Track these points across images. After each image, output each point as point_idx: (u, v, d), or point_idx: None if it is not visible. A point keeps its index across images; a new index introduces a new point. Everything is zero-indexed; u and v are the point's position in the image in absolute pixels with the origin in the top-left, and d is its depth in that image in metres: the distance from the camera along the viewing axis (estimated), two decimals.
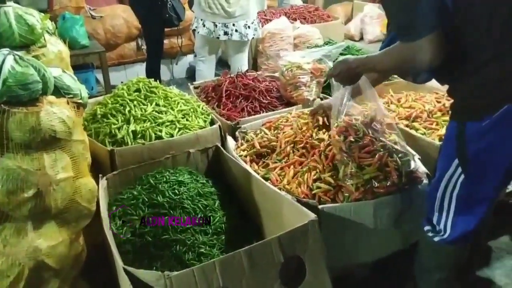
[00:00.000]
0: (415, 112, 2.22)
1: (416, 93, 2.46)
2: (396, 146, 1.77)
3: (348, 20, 5.37)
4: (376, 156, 1.67)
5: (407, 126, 2.15)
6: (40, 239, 1.26)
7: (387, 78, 2.02)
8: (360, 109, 1.86)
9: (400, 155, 1.74)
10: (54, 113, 1.28)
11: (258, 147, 1.97)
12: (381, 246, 1.72)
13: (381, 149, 1.70)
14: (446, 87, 1.61)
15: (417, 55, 1.38)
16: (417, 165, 1.81)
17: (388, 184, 1.64)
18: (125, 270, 1.26)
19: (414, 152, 1.88)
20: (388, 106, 2.38)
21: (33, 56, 1.53)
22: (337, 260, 1.62)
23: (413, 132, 2.07)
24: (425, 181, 1.75)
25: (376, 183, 1.64)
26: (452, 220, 1.59)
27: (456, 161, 1.51)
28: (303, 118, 2.09)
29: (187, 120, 2.09)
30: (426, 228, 1.67)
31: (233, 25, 3.26)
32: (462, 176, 1.51)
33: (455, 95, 1.55)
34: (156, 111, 2.04)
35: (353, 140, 1.70)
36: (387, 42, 1.60)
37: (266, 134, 2.05)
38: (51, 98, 1.35)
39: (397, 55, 1.47)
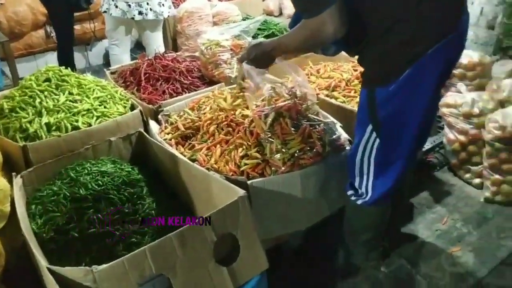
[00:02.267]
0: (334, 81, 2.28)
1: (334, 63, 2.52)
2: (317, 117, 1.81)
3: None
4: (299, 130, 1.69)
5: (327, 95, 2.20)
6: None
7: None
8: (279, 83, 1.88)
9: (322, 125, 1.78)
10: None
11: (183, 129, 1.93)
12: (311, 214, 1.76)
13: (303, 122, 1.73)
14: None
15: (321, 29, 1.43)
16: (339, 132, 1.87)
17: (313, 154, 1.68)
18: (49, 269, 1.19)
19: (335, 121, 1.94)
20: (309, 77, 2.43)
21: None
22: (270, 232, 1.64)
23: (333, 101, 2.13)
24: (348, 147, 1.81)
25: (302, 155, 1.67)
26: (372, 183, 1.67)
27: (370, 127, 1.58)
28: (222, 97, 2.07)
29: (105, 107, 1.99)
30: (349, 192, 1.74)
31: (147, 3, 3.12)
32: (378, 140, 1.58)
33: (363, 64, 1.62)
34: (70, 101, 1.92)
35: (273, 119, 1.70)
36: (293, 22, 1.64)
37: (190, 115, 2.01)
38: None
39: (304, 33, 1.51)
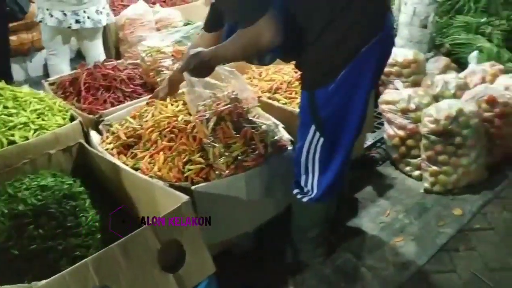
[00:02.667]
0: (276, 84, 2.32)
1: (275, 66, 2.57)
2: (259, 119, 1.85)
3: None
4: (241, 133, 1.72)
5: (269, 98, 2.24)
6: None
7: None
8: (220, 88, 1.90)
9: (263, 126, 1.81)
10: None
11: (124, 137, 1.91)
12: (258, 215, 1.80)
13: (244, 125, 1.76)
14: None
15: (258, 37, 1.46)
16: (281, 133, 1.91)
17: (255, 156, 1.71)
18: None
19: (278, 122, 1.98)
20: (251, 80, 2.46)
21: None
22: (217, 235, 1.66)
23: (275, 103, 2.17)
24: (290, 147, 1.86)
25: (244, 158, 1.70)
26: (317, 180, 1.73)
27: (313, 127, 1.64)
28: (164, 104, 2.07)
29: (43, 120, 1.93)
30: (295, 191, 1.79)
31: (84, 11, 3.03)
32: (322, 139, 1.64)
33: (302, 67, 1.67)
34: (5, 114, 1.86)
35: (215, 123, 1.72)
36: (227, 33, 1.65)
37: (131, 123, 1.99)
38: None
39: (242, 41, 1.52)
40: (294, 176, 1.79)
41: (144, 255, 1.29)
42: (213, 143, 1.70)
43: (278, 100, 2.22)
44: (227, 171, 1.67)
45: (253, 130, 1.76)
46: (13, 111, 1.89)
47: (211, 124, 1.73)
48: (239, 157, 1.70)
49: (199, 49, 1.65)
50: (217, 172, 1.68)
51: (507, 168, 2.63)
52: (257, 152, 1.72)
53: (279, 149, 1.82)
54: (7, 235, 1.50)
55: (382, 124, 2.84)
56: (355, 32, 1.51)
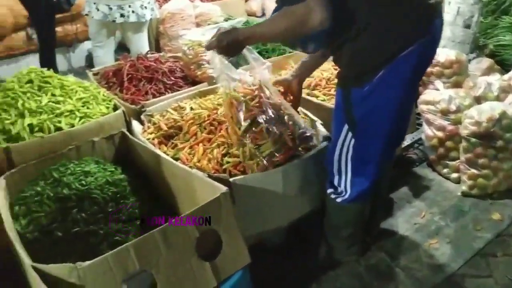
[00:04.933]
0: (315, 80, 2.32)
1: None
2: (293, 116, 1.81)
3: None
4: (271, 133, 1.68)
5: (308, 94, 2.24)
6: None
7: (326, 59, 1.93)
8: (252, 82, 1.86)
9: (288, 117, 1.77)
10: None
11: (165, 128, 1.95)
12: (293, 210, 1.80)
13: (275, 124, 1.72)
14: None
15: (307, 17, 1.40)
16: (318, 130, 1.91)
17: (284, 150, 1.70)
18: (34, 267, 1.21)
19: (315, 118, 1.98)
20: None
21: None
22: (252, 228, 1.68)
23: (314, 99, 2.17)
24: (325, 143, 1.85)
25: (275, 154, 1.69)
26: (350, 181, 1.71)
27: (346, 126, 1.62)
28: (204, 96, 2.09)
29: (87, 108, 2.00)
30: (329, 190, 1.78)
31: (129, 6, 3.13)
32: (353, 140, 1.63)
33: (339, 64, 1.65)
34: (52, 102, 1.94)
35: (247, 125, 1.70)
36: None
37: (172, 114, 2.04)
38: None
39: (287, 20, 1.46)
40: (328, 174, 1.78)
41: (183, 243, 1.32)
42: (244, 142, 1.70)
43: (316, 97, 2.21)
44: (257, 170, 1.67)
45: (281, 126, 1.71)
46: (60, 99, 1.97)
47: (243, 127, 1.70)
48: (269, 155, 1.68)
49: (233, 27, 1.58)
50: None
51: None
52: (287, 149, 1.70)
53: (306, 141, 1.79)
54: (52, 218, 1.56)
55: (420, 124, 2.79)
56: (395, 36, 1.47)
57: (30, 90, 1.95)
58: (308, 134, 1.77)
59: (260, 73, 1.76)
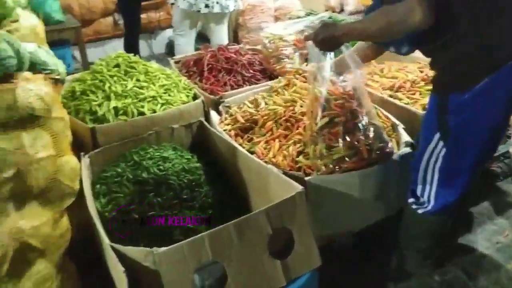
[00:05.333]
0: (399, 82, 2.22)
1: (399, 63, 2.46)
2: (372, 120, 1.73)
3: None
4: (347, 137, 1.63)
5: (390, 96, 2.15)
6: (23, 220, 1.22)
7: (379, 54, 1.92)
8: (338, 80, 1.82)
9: (371, 129, 1.70)
10: (31, 89, 1.22)
11: (242, 121, 1.95)
12: (367, 215, 1.73)
13: (352, 127, 1.66)
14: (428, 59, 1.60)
15: (407, 15, 1.34)
16: (400, 134, 1.82)
17: (356, 160, 1.63)
18: (112, 247, 1.25)
19: (397, 122, 1.89)
20: (372, 76, 2.38)
21: (6, 31, 1.46)
22: (323, 229, 1.63)
23: (396, 101, 2.07)
24: (408, 150, 1.75)
25: (346, 160, 1.62)
26: (435, 192, 1.61)
27: (438, 134, 1.52)
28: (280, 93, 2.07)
29: (169, 95, 2.04)
30: (410, 200, 1.69)
31: None
32: (444, 149, 1.52)
33: (437, 68, 1.55)
34: (137, 87, 1.99)
35: (324, 121, 1.66)
36: (369, 11, 1.58)
37: (249, 107, 2.03)
38: (27, 74, 1.30)
39: (385, 19, 1.41)
40: (411, 183, 1.69)
41: (256, 238, 1.31)
42: (317, 140, 1.65)
43: (399, 99, 2.11)
44: (323, 170, 1.62)
45: (361, 135, 1.65)
46: (144, 84, 2.02)
47: (320, 124, 1.66)
48: (339, 160, 1.62)
49: (332, 22, 1.57)
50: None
51: None
52: (359, 155, 1.63)
53: (383, 156, 1.71)
54: (130, 199, 1.61)
55: (509, 136, 2.59)
56: (501, 44, 1.36)
57: (117, 74, 2.02)
58: (387, 150, 1.68)
59: (354, 76, 1.71)
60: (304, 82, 2.06)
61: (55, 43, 3.20)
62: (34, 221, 1.25)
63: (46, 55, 1.44)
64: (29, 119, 1.23)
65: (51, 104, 1.28)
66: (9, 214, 1.21)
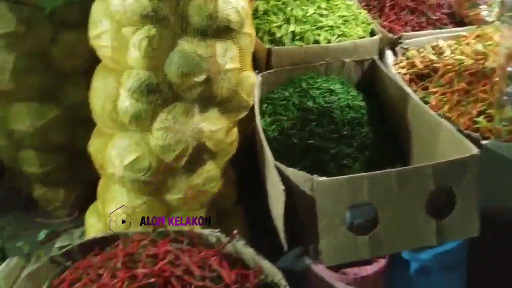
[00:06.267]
0: None
1: None
2: None
3: None
4: None
5: None
6: (204, 122, 1.35)
7: None
8: None
9: None
10: (230, 2, 1.28)
11: (420, 66, 1.82)
12: None
13: None
14: None
15: None
16: None
17: None
18: (276, 166, 1.31)
19: None
20: None
21: None
22: (489, 200, 1.50)
23: None
24: None
25: None
26: None
27: None
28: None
29: (346, 27, 1.98)
30: None
31: None
32: None
33: None
34: (317, 14, 1.97)
35: None
36: None
37: (431, 53, 1.88)
38: None
39: None
40: None
41: (416, 192, 1.26)
42: (505, 103, 1.47)
43: None
44: (508, 137, 1.45)
45: None
46: (324, 12, 1.98)
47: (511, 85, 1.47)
48: None
49: None
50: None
51: None
52: None
53: None
54: (292, 124, 1.66)
55: None
56: None
57: None
58: None
59: None
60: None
61: None
62: (213, 125, 1.36)
63: None
64: (224, 30, 1.31)
65: (244, 19, 1.33)
66: (194, 115, 1.34)
